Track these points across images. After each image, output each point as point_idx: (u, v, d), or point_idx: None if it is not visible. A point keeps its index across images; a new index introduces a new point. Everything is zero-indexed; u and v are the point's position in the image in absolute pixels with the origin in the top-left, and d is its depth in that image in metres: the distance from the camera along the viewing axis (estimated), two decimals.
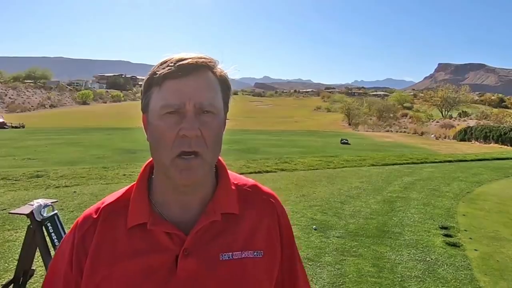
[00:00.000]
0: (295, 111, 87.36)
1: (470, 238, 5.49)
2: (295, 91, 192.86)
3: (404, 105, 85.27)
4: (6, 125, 44.99)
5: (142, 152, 16.86)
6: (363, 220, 6.15)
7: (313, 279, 4.05)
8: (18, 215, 5.21)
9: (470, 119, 55.79)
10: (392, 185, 8.80)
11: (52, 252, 4.01)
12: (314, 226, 5.72)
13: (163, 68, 0.81)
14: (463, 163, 13.07)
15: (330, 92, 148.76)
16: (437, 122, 53.68)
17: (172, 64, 0.80)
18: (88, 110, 76.19)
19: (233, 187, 0.92)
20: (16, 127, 44.90)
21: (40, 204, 4.11)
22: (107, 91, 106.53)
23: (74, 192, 7.46)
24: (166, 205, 0.87)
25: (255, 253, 0.87)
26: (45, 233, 4.06)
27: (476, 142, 34.23)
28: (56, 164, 12.25)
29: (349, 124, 60.19)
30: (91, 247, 0.86)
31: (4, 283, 3.90)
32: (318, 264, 4.44)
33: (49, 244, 4.03)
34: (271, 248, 0.91)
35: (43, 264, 4.05)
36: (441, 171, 10.80)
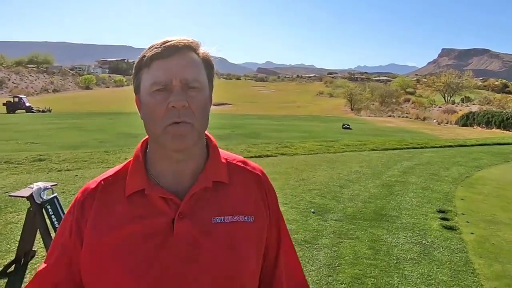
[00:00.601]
0: (297, 96, 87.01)
1: (467, 222, 5.54)
2: (297, 76, 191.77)
3: (407, 90, 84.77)
4: (33, 109, 45.34)
5: (144, 135, 16.93)
6: (361, 203, 6.20)
7: (309, 261, 4.12)
8: (19, 197, 5.29)
9: (473, 104, 55.45)
10: (391, 169, 8.84)
11: (53, 234, 4.09)
12: (312, 210, 5.78)
13: (151, 51, 0.88)
14: (463, 148, 13.08)
15: (332, 77, 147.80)
16: (440, 107, 53.41)
17: (159, 46, 0.87)
18: (91, 94, 76.15)
19: (223, 160, 0.99)
20: (43, 111, 45.25)
21: (40, 187, 4.18)
22: (109, 76, 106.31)
23: (76, 175, 7.54)
24: (161, 175, 0.92)
25: (245, 218, 0.94)
26: (46, 216, 4.15)
27: (478, 127, 34.13)
28: (59, 148, 12.33)
29: (352, 109, 59.97)
30: (90, 215, 0.91)
31: (6, 263, 3.98)
32: (315, 246, 4.50)
33: (50, 226, 4.12)
34: (260, 215, 0.97)
35: (43, 246, 4.14)
36: (441, 156, 10.82)
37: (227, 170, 0.97)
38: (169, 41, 0.88)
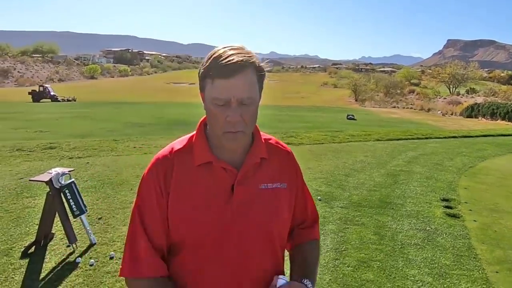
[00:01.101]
0: (301, 87, 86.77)
1: (470, 210, 5.68)
2: (301, 66, 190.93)
3: (412, 81, 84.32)
4: (58, 98, 45.78)
5: (151, 126, 17.11)
6: (366, 192, 6.34)
7: None
8: (37, 182, 5.48)
9: (478, 96, 55.18)
10: (396, 159, 8.96)
11: (71, 218, 4.27)
12: (318, 197, 5.93)
13: (215, 66, 1.07)
14: (467, 138, 13.16)
15: (337, 68, 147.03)
16: (444, 98, 53.22)
17: (223, 62, 1.05)
18: (96, 84, 76.34)
19: (263, 140, 1.26)
20: (68, 100, 45.68)
21: (58, 172, 4.35)
22: (114, 66, 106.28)
23: (87, 163, 7.70)
24: (220, 151, 1.18)
25: (281, 185, 1.24)
26: (64, 200, 4.32)
27: (482, 118, 34.07)
28: (67, 136, 12.52)
29: (356, 100, 59.87)
30: (173, 181, 1.17)
31: (26, 245, 4.17)
32: (322, 232, 4.65)
33: (68, 210, 4.29)
34: (291, 183, 1.28)
35: (62, 229, 4.32)
36: (445, 147, 10.92)
37: (266, 148, 1.25)
38: (232, 58, 1.05)
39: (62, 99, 46.08)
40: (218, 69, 1.05)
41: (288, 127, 16.54)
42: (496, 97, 51.21)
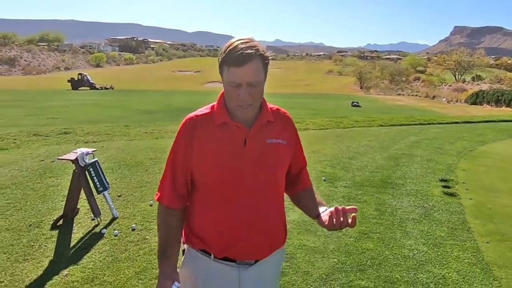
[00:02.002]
0: (306, 75, 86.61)
1: (467, 189, 5.99)
2: (306, 54, 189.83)
3: (417, 68, 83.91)
4: (96, 86, 46.53)
5: (160, 113, 17.47)
6: (368, 173, 6.67)
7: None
8: (61, 162, 5.84)
9: (484, 83, 54.94)
10: (398, 143, 9.25)
11: (95, 194, 4.64)
12: (323, 178, 6.26)
13: (231, 56, 1.38)
14: (469, 124, 13.41)
15: (342, 55, 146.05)
16: (450, 86, 53.08)
17: (236, 54, 1.37)
18: (102, 72, 76.71)
19: (268, 109, 1.60)
20: (106, 88, 46.44)
21: (83, 152, 4.72)
22: (119, 54, 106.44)
23: (102, 147, 8.06)
24: (235, 114, 1.51)
25: (282, 141, 1.58)
26: (88, 177, 4.68)
27: (487, 105, 34.10)
28: (79, 123, 12.91)
29: (361, 88, 59.84)
30: (196, 135, 1.51)
31: (55, 218, 4.55)
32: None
33: (92, 186, 4.65)
34: (290, 140, 1.62)
35: (86, 204, 4.69)
36: (447, 132, 11.19)
37: (272, 114, 1.59)
38: (243, 50, 1.36)
39: (100, 87, 46.93)
40: (232, 59, 1.37)
41: (293, 114, 16.78)
42: (502, 84, 50.98)
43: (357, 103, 26.59)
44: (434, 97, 44.75)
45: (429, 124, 12.93)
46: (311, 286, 3.25)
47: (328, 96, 40.35)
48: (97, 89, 45.97)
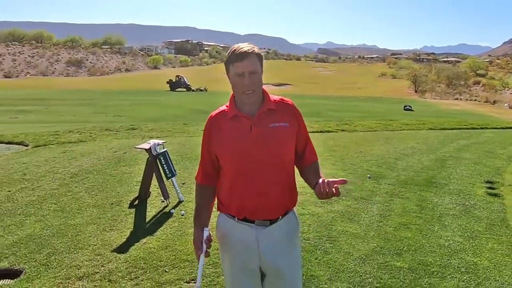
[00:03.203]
0: (358, 78, 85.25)
1: None
2: (359, 57, 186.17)
3: (478, 72, 79.79)
4: (191, 88, 50.05)
5: (211, 110, 18.39)
6: (413, 173, 6.95)
7: (364, 211, 5.05)
8: (136, 151, 6.68)
9: None
10: (447, 146, 9.35)
11: (165, 179, 5.37)
12: (368, 175, 6.64)
13: (234, 55, 1.87)
14: None
15: (396, 58, 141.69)
16: None
17: (237, 53, 1.87)
18: (159, 74, 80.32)
19: (271, 98, 2.01)
20: (200, 90, 49.82)
21: (155, 143, 5.49)
22: (175, 56, 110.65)
23: (165, 142, 8.92)
24: (243, 108, 1.96)
25: (284, 124, 1.96)
26: (159, 165, 5.42)
27: None
28: (142, 120, 14.05)
29: (416, 91, 58.11)
30: (214, 127, 2.00)
31: (131, 199, 5.34)
32: (369, 202, 5.41)
33: (162, 173, 5.39)
34: (292, 123, 1.98)
35: (157, 188, 5.45)
36: (500, 136, 11.02)
37: (274, 103, 1.99)
38: (242, 49, 1.86)
39: (195, 89, 49.84)
40: (235, 57, 1.86)
41: (344, 116, 17.08)
42: None
43: (410, 106, 26.16)
44: (495, 102, 42.71)
45: (482, 128, 12.73)
46: (351, 264, 3.72)
47: (380, 100, 39.75)
48: (193, 90, 48.56)
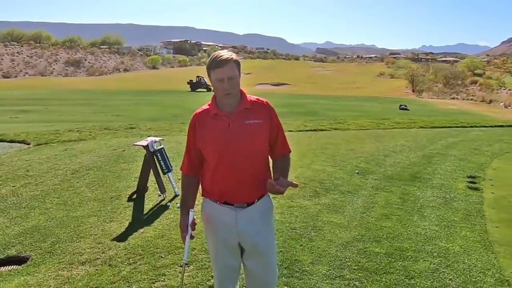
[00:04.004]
0: (357, 77, 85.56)
1: (492, 185, 6.43)
2: (357, 56, 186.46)
3: (475, 72, 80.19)
4: (211, 88, 50.36)
5: None
6: (400, 168, 7.26)
7: (349, 204, 5.35)
8: (133, 149, 6.96)
9: None
10: (435, 144, 9.67)
11: (162, 175, 5.67)
12: (356, 171, 6.95)
13: (214, 62, 2.14)
14: None
15: (394, 57, 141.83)
16: (509, 90, 50.59)
17: (217, 60, 2.14)
18: (158, 74, 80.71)
19: (248, 99, 2.28)
20: None
21: (152, 140, 5.81)
22: (174, 56, 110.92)
23: (162, 139, 9.23)
24: (222, 107, 2.25)
25: (258, 121, 2.25)
26: (156, 161, 5.73)
27: None
28: (141, 120, 14.36)
29: (413, 91, 58.44)
30: (198, 124, 2.28)
31: (129, 193, 5.64)
32: (355, 195, 5.72)
33: (159, 168, 5.69)
34: (265, 120, 2.27)
35: (154, 183, 5.75)
36: (487, 134, 11.35)
37: (250, 102, 2.27)
38: (222, 57, 2.14)
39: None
40: (215, 64, 2.13)
41: (339, 116, 17.40)
42: None
43: (405, 106, 26.48)
44: (490, 101, 43.04)
45: (471, 126, 13.06)
46: (333, 250, 4.03)
47: (377, 99, 40.06)
48: (213, 90, 48.91)
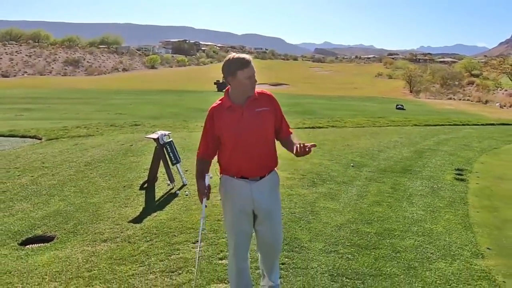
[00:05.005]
0: (355, 78, 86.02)
1: (478, 177, 6.90)
2: (356, 57, 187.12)
3: (472, 72, 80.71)
4: None
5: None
6: (393, 162, 7.72)
7: (344, 192, 5.80)
8: (143, 142, 7.40)
9: None
10: (427, 140, 10.15)
11: (171, 166, 6.12)
12: (351, 164, 7.42)
13: (242, 63, 2.62)
14: (505, 126, 13.83)
15: (393, 58, 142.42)
16: (506, 90, 51.21)
17: (244, 61, 2.63)
18: (157, 74, 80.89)
19: (256, 91, 2.75)
20: None
21: (162, 133, 6.26)
22: (172, 56, 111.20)
23: (170, 132, 9.68)
24: (235, 100, 2.72)
25: (266, 108, 2.73)
26: (165, 152, 6.17)
27: None
28: (143, 118, 14.78)
29: (411, 91, 58.93)
30: (215, 116, 2.73)
31: (141, 182, 6.08)
32: (350, 185, 6.18)
33: (168, 160, 6.13)
34: (270, 108, 2.75)
35: (163, 174, 6.19)
36: (478, 132, 11.83)
37: (257, 94, 2.72)
38: (245, 58, 2.63)
39: None
40: (244, 64, 2.58)
41: (335, 114, 17.86)
42: None
43: (402, 106, 26.95)
44: (486, 101, 43.57)
45: (463, 125, 13.55)
46: (328, 230, 4.48)
47: (374, 99, 40.52)
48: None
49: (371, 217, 4.87)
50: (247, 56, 2.65)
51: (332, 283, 3.37)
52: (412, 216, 4.94)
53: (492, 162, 8.08)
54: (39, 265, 3.79)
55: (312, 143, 2.61)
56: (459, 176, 6.89)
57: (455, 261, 3.79)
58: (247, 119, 2.67)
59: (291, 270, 3.58)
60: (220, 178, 2.90)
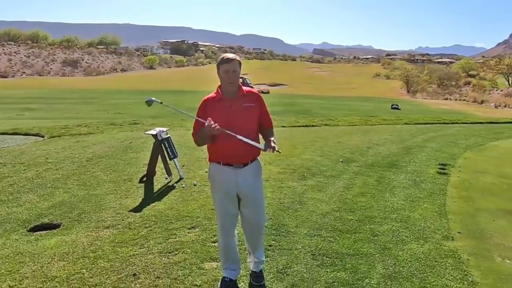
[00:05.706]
0: (353, 78, 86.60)
1: (459, 171, 7.29)
2: (354, 57, 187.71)
3: (470, 73, 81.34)
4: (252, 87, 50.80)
5: None
6: (380, 158, 8.11)
7: (332, 185, 6.17)
8: (144, 137, 7.76)
9: None
10: (416, 138, 10.54)
11: (169, 161, 6.48)
12: (341, 159, 7.80)
13: (224, 60, 3.03)
14: (493, 124, 14.23)
15: (391, 58, 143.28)
16: (501, 90, 51.72)
17: (226, 58, 3.04)
18: (155, 74, 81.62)
19: (244, 88, 3.16)
20: (263, 92, 50.92)
21: (161, 130, 6.63)
22: (171, 57, 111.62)
23: (168, 129, 10.04)
24: (225, 93, 3.11)
25: (252, 104, 3.14)
26: (163, 148, 6.52)
27: None
28: (142, 117, 15.15)
29: (408, 92, 59.45)
30: (207, 108, 3.12)
31: (141, 176, 6.45)
32: (337, 179, 6.55)
33: (166, 155, 6.49)
34: (256, 104, 3.15)
35: (162, 168, 6.56)
36: (467, 130, 12.22)
37: (246, 92, 3.12)
38: (229, 56, 3.03)
39: (259, 91, 50.68)
40: (225, 61, 2.96)
41: (327, 113, 18.26)
42: None
43: (397, 105, 27.38)
44: (482, 102, 44.11)
45: (453, 123, 13.93)
46: (314, 217, 4.85)
47: (370, 99, 41.00)
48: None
49: (354, 207, 5.24)
50: (232, 56, 3.03)
51: (313, 261, 3.74)
52: (392, 205, 5.32)
53: (476, 158, 8.46)
54: (47, 247, 4.15)
55: (278, 150, 3.01)
56: (442, 170, 7.27)
57: (427, 242, 4.18)
58: (235, 111, 3.03)
59: (277, 251, 3.94)
60: (209, 165, 3.28)
